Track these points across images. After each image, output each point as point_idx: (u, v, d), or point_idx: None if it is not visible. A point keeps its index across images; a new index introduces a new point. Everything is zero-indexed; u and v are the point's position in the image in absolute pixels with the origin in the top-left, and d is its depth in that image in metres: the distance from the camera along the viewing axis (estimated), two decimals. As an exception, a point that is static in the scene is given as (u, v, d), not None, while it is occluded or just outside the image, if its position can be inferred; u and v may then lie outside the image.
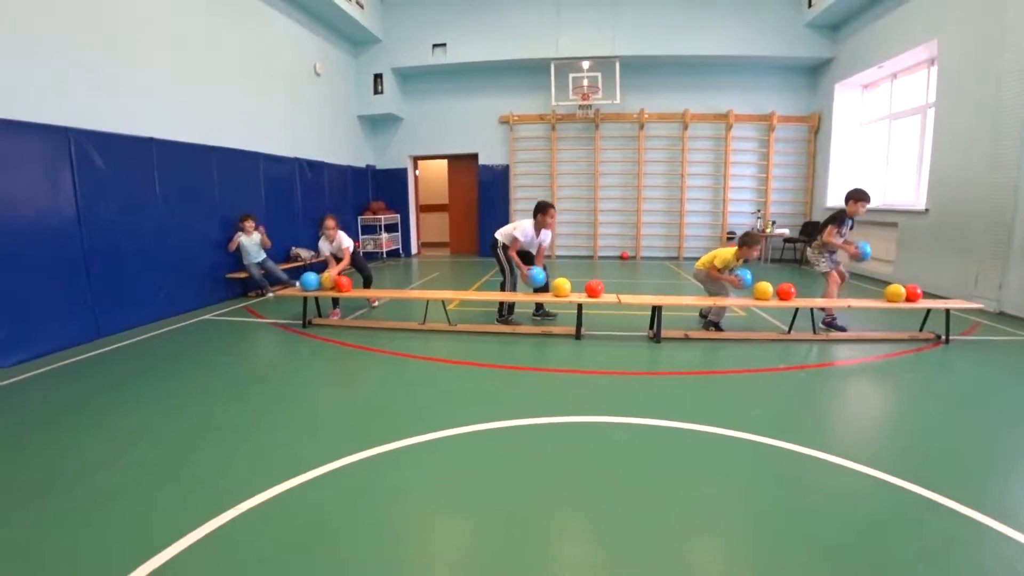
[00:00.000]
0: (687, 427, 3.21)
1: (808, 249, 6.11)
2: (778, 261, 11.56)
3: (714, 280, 5.53)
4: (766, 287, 5.22)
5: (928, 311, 5.41)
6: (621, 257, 12.24)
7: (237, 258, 7.50)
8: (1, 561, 2.01)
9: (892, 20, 9.01)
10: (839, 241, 5.64)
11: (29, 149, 4.81)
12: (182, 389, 4.00)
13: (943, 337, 5.20)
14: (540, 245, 5.90)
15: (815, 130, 11.48)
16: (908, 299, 5.28)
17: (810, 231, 10.93)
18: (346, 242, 6.34)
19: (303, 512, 2.32)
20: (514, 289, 5.94)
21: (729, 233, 11.66)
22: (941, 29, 7.84)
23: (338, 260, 6.34)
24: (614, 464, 2.80)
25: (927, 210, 8.06)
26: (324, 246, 6.45)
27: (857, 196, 5.58)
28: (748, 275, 5.30)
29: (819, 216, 11.15)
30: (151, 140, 6.20)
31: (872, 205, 9.46)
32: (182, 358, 4.82)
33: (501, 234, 5.94)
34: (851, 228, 5.76)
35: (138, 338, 5.46)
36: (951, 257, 7.45)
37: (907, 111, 9.30)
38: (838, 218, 5.67)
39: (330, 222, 6.33)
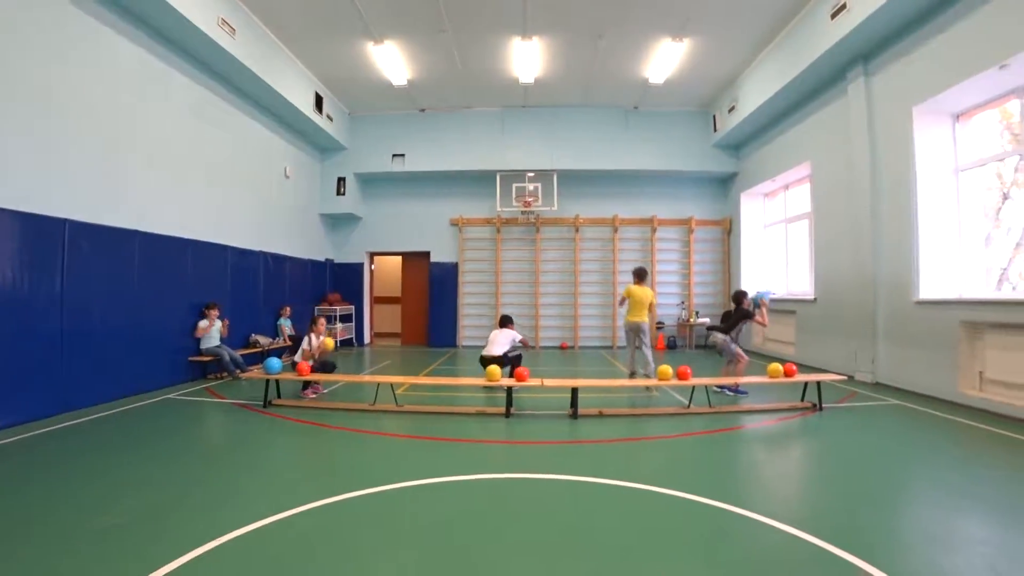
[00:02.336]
0: (594, 480, 3.87)
1: (720, 338, 7.15)
2: (702, 347, 12.66)
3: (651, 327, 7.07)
4: (666, 369, 6.11)
5: (805, 384, 6.39)
6: (561, 347, 13.11)
7: (197, 341, 8.04)
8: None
9: (778, 144, 10.85)
10: (758, 318, 7.16)
11: (28, 235, 5.48)
12: (156, 456, 4.45)
13: (818, 405, 6.13)
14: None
15: (728, 231, 13.14)
16: (786, 374, 6.24)
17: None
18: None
19: (270, 547, 2.85)
20: None
21: (658, 323, 12.81)
22: (812, 154, 9.59)
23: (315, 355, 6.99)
24: (529, 507, 3.44)
25: (816, 299, 9.37)
26: (313, 341, 7.00)
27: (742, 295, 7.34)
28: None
29: (736, 306, 12.47)
30: (135, 232, 6.94)
31: (776, 295, 10.82)
32: (154, 431, 5.27)
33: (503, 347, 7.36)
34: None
35: (105, 413, 5.87)
36: (837, 338, 8.64)
37: (798, 216, 10.92)
38: (748, 315, 7.11)
39: (322, 320, 7.23)
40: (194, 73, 8.25)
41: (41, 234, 5.64)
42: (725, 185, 13.39)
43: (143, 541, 2.90)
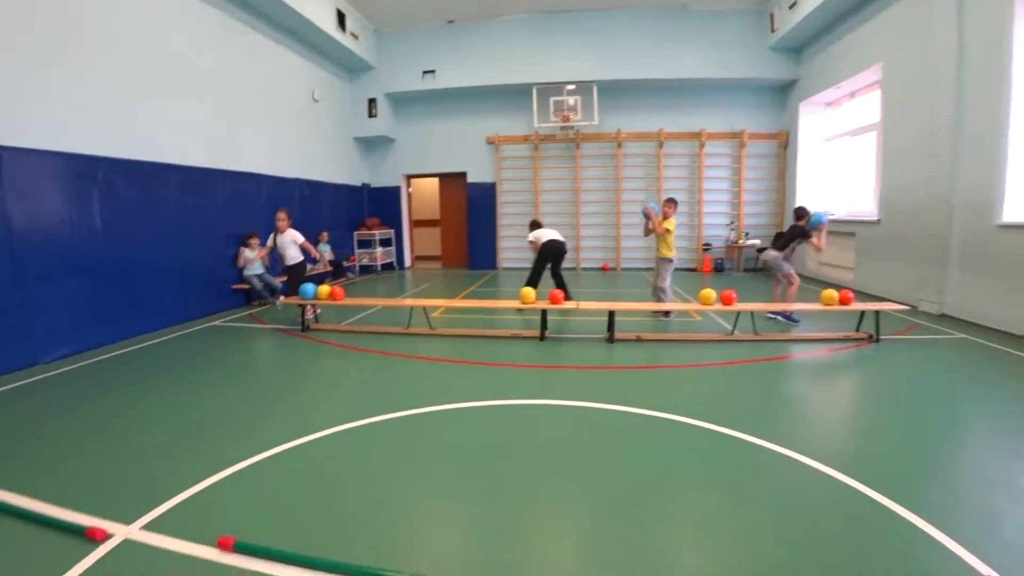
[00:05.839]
0: (626, 410, 3.76)
1: (772, 254, 6.74)
2: (751, 270, 12.13)
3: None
4: (709, 293, 5.80)
5: (862, 313, 5.97)
6: (603, 269, 12.82)
7: (239, 270, 8.22)
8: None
9: (846, 43, 9.67)
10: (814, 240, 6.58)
11: (66, 174, 5.55)
12: (201, 378, 4.72)
13: (874, 336, 5.74)
14: None
15: (784, 146, 12.15)
16: (841, 302, 5.84)
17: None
18: (300, 237, 7.16)
19: (301, 464, 2.95)
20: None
21: (705, 244, 12.28)
22: (884, 55, 8.49)
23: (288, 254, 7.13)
24: (559, 433, 3.42)
25: (879, 220, 8.65)
26: (268, 241, 7.29)
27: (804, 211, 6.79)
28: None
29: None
30: (169, 166, 6.93)
31: (835, 216, 10.09)
32: (199, 356, 5.53)
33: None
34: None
35: (152, 341, 6.11)
36: (901, 264, 8.01)
37: (864, 128, 9.91)
38: (805, 234, 6.61)
39: (281, 214, 7.10)
40: (212, -2, 7.85)
41: (78, 173, 5.67)
42: (783, 94, 12.22)
43: (184, 457, 3.08)
